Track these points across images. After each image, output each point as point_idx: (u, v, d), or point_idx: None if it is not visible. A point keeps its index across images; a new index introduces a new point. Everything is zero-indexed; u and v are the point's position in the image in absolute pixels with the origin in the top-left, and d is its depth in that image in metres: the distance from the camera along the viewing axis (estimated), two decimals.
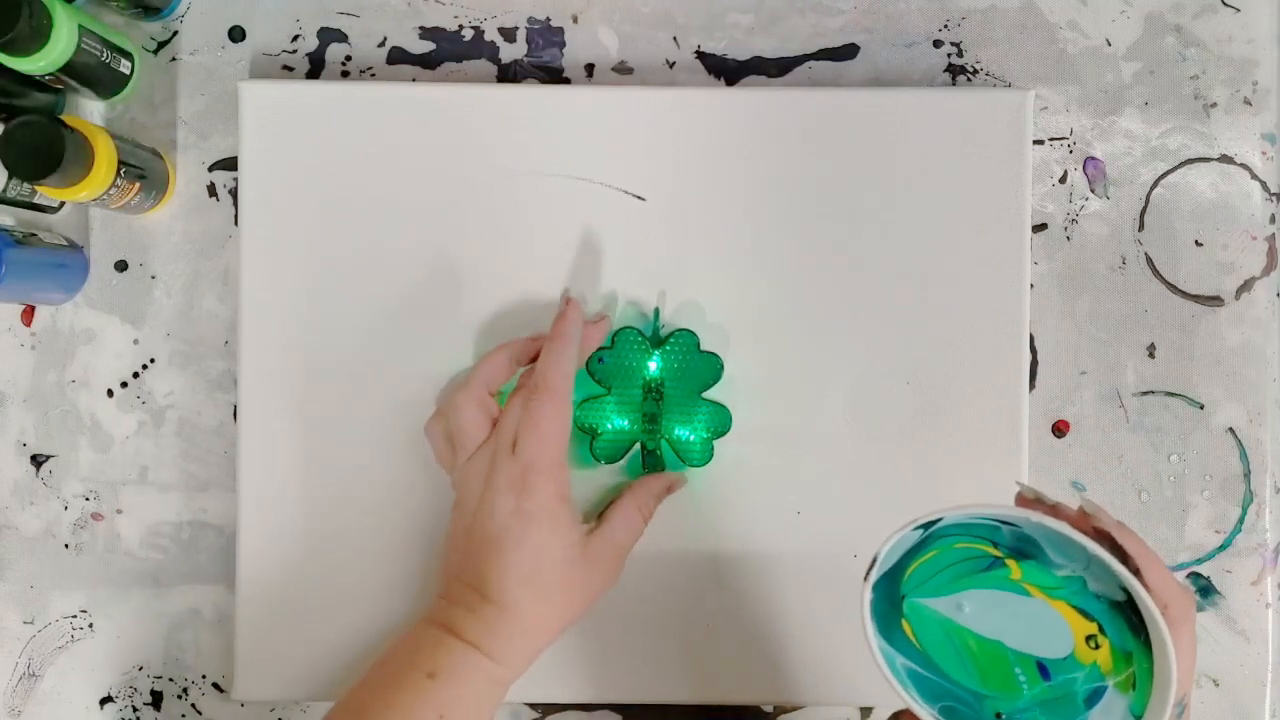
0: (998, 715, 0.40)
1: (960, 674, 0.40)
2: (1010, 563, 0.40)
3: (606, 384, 0.53)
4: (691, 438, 0.54)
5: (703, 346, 0.53)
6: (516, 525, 0.47)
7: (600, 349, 0.53)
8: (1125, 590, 0.38)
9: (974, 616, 0.40)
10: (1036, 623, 0.40)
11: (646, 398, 0.53)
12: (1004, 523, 0.40)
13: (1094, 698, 0.39)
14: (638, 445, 0.54)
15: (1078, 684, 0.39)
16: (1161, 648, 0.37)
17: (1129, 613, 0.39)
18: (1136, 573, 0.38)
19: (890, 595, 0.41)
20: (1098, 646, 0.39)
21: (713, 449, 0.54)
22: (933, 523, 0.40)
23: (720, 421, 0.54)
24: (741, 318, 0.55)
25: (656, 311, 0.54)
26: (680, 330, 0.53)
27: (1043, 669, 0.40)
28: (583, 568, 0.49)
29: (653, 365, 0.53)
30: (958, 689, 0.40)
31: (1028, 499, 0.42)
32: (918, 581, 0.41)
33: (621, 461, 0.54)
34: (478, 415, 0.50)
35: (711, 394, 0.54)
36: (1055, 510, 0.41)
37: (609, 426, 0.54)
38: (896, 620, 0.41)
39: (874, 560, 0.40)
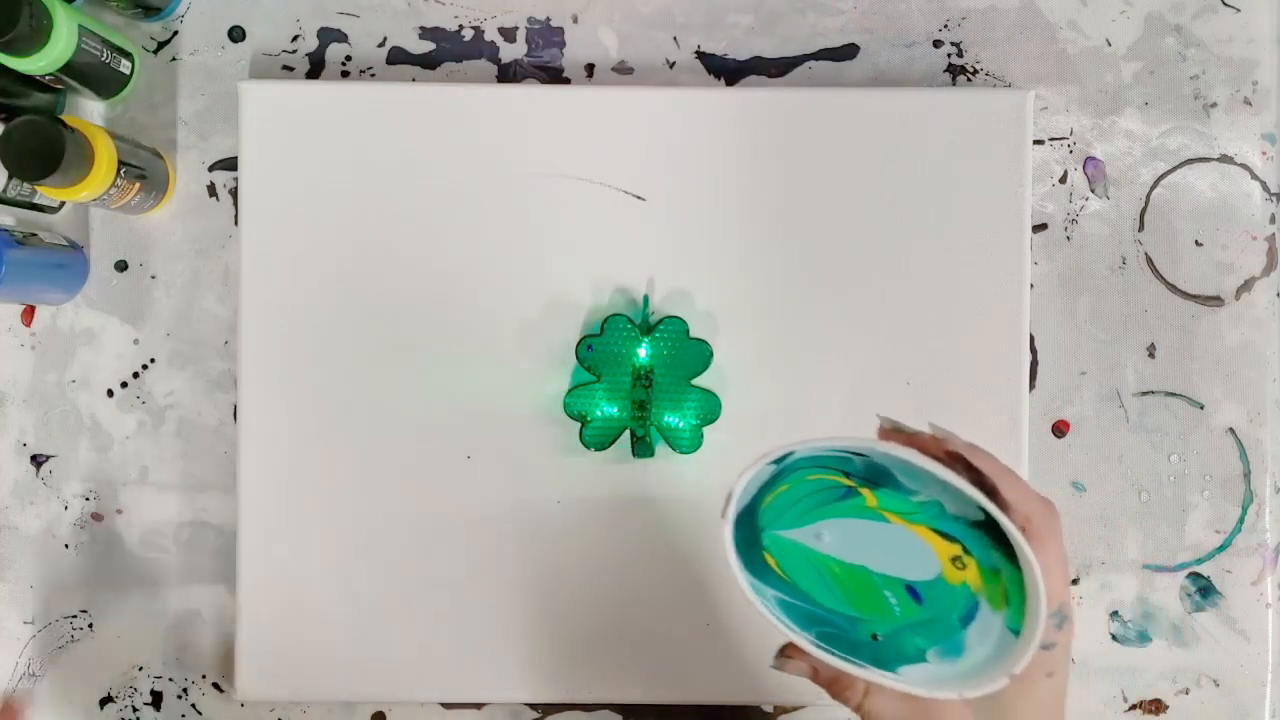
0: (874, 637, 0.40)
1: (830, 600, 0.40)
2: (864, 491, 0.40)
3: (596, 371, 0.53)
4: (681, 424, 0.54)
5: (694, 338, 0.54)
6: None
7: (590, 336, 0.53)
8: (985, 509, 0.38)
9: (834, 544, 0.40)
10: (899, 547, 0.40)
11: (636, 385, 0.54)
12: (855, 454, 0.40)
13: (969, 616, 0.39)
14: (627, 432, 0.54)
15: (950, 603, 0.39)
16: (1026, 563, 0.37)
17: (991, 530, 0.39)
18: (994, 491, 0.38)
19: (749, 531, 0.41)
20: (964, 566, 0.39)
21: (702, 436, 0.54)
22: (784, 457, 0.40)
23: (709, 408, 0.54)
24: (739, 316, 0.55)
25: (645, 299, 0.55)
26: (670, 317, 0.54)
27: (913, 591, 0.40)
28: None
29: (642, 352, 0.53)
30: (831, 614, 0.40)
31: (887, 430, 0.42)
32: (774, 515, 0.41)
33: (610, 448, 0.54)
34: None
35: (703, 383, 0.54)
36: (913, 439, 0.41)
37: (598, 414, 0.54)
38: (759, 555, 0.41)
39: (729, 497, 0.39)
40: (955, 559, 0.39)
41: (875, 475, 0.40)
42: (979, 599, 0.39)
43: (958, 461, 0.39)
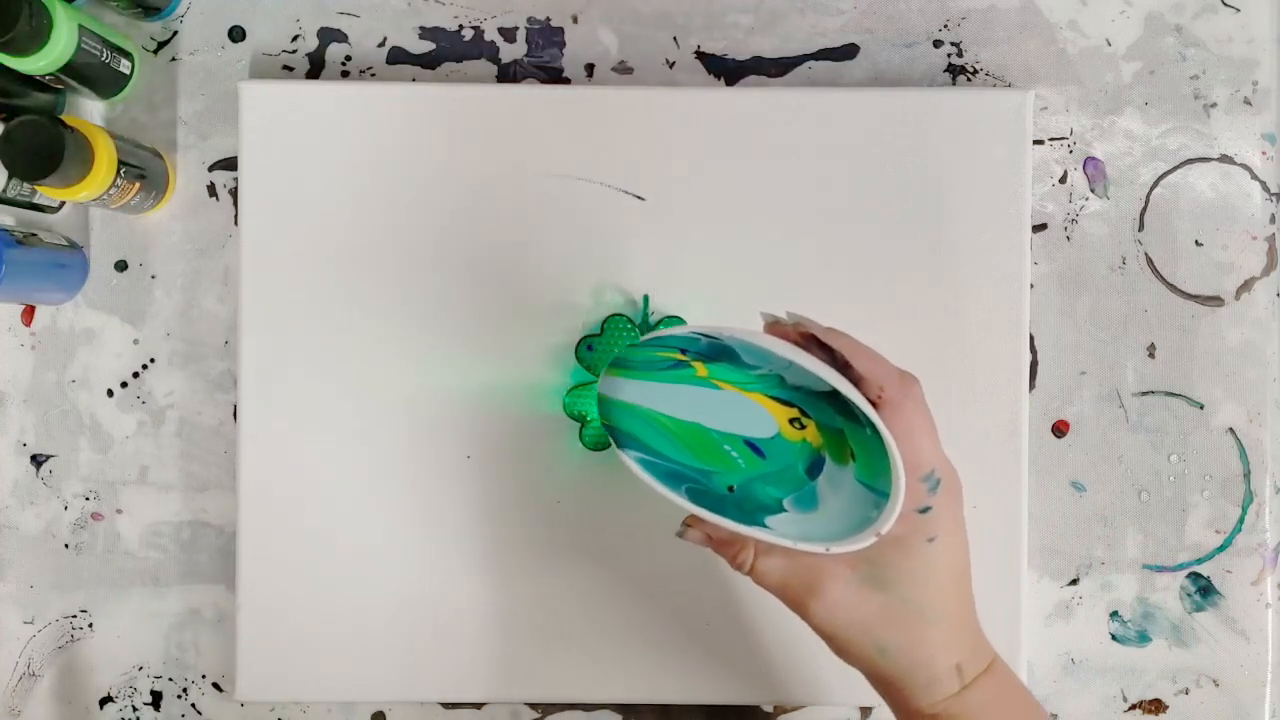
0: (730, 489, 0.42)
1: (675, 454, 0.42)
2: (695, 364, 0.42)
3: (596, 371, 0.53)
4: None
5: None
6: None
7: (590, 336, 0.53)
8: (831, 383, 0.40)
9: (664, 403, 0.42)
10: (732, 409, 0.42)
11: None
12: (704, 335, 0.41)
13: (814, 468, 0.41)
14: None
15: (793, 456, 0.41)
16: (883, 431, 0.38)
17: (838, 398, 0.40)
18: (846, 367, 0.40)
19: None
20: (803, 427, 0.41)
21: None
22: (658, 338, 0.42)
23: None
24: (739, 316, 0.55)
25: (645, 299, 0.55)
26: (670, 317, 0.54)
27: (754, 447, 0.41)
28: None
29: None
30: (684, 469, 0.42)
31: (769, 324, 0.43)
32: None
33: (610, 448, 0.54)
34: None
35: None
36: (774, 328, 0.43)
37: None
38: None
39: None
40: (793, 420, 0.41)
41: (716, 353, 0.42)
42: (822, 454, 0.41)
43: (811, 341, 0.41)
